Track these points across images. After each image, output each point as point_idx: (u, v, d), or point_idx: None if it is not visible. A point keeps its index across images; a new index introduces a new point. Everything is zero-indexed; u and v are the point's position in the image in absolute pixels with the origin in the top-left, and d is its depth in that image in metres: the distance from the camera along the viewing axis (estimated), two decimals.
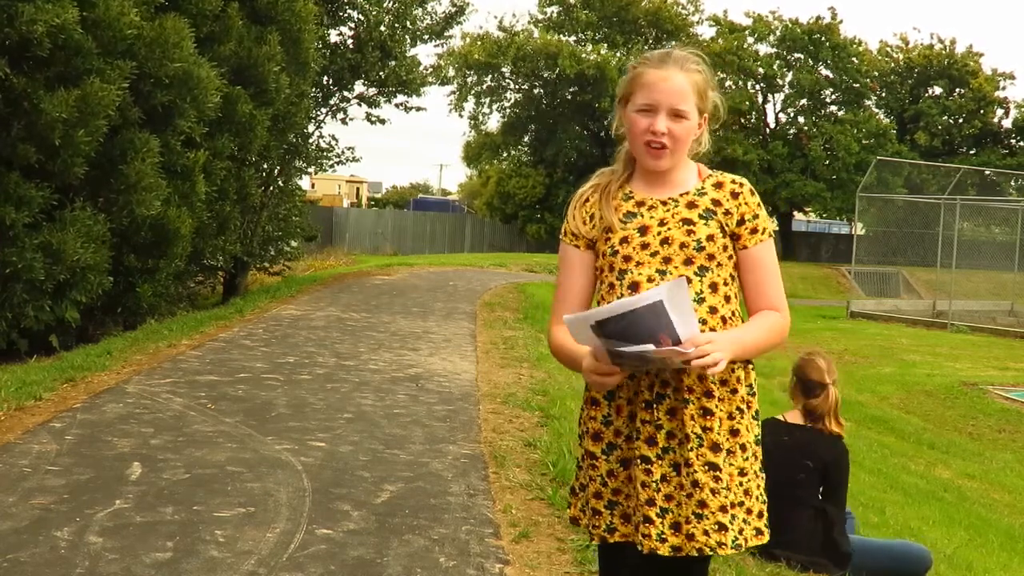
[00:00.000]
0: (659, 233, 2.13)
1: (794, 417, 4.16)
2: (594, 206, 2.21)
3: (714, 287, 2.12)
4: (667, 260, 2.11)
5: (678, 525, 2.09)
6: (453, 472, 4.68)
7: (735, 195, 2.18)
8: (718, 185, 2.19)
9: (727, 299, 2.13)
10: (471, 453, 5.08)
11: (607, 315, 1.95)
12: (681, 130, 2.13)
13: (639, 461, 2.10)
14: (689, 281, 2.08)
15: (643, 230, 2.14)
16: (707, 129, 2.23)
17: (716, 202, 2.16)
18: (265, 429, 5.29)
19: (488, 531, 3.86)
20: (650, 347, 1.92)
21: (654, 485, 2.09)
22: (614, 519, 2.16)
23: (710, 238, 2.12)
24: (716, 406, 2.09)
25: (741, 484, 2.13)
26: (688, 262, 2.11)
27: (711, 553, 2.09)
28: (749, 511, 2.14)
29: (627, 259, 2.13)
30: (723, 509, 2.07)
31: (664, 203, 2.17)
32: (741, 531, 2.12)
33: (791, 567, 3.95)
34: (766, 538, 2.17)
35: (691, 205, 2.16)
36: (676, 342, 1.94)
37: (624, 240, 2.15)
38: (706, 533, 2.07)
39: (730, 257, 2.16)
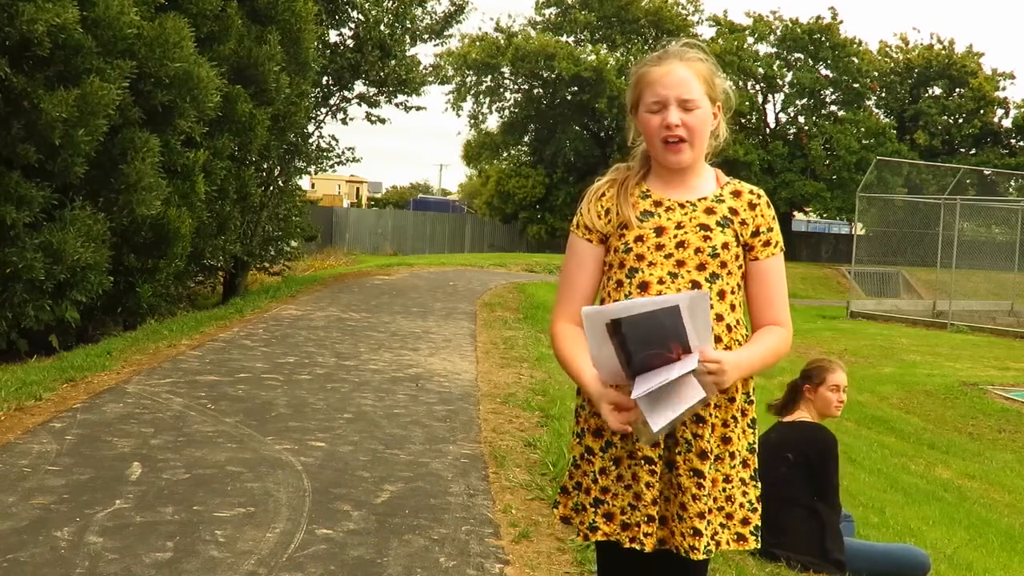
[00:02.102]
0: (675, 236, 2.13)
1: (791, 417, 4.19)
2: (610, 200, 2.20)
3: (722, 294, 2.12)
4: (680, 263, 2.11)
5: (664, 520, 2.13)
6: (453, 472, 4.68)
7: (752, 206, 2.19)
8: (736, 194, 2.20)
9: (732, 307, 2.14)
10: (471, 453, 5.08)
11: (626, 313, 1.92)
12: (695, 120, 2.12)
13: (643, 462, 2.11)
14: (712, 298, 2.09)
15: (659, 231, 2.14)
16: (723, 119, 2.22)
17: (733, 211, 2.17)
18: (265, 429, 5.29)
19: (488, 531, 3.86)
20: (669, 376, 1.90)
21: (658, 485, 2.11)
22: (596, 518, 2.16)
23: (725, 246, 2.13)
24: (710, 414, 2.10)
25: (724, 490, 2.15)
26: (701, 267, 2.11)
27: (684, 555, 2.10)
28: (729, 516, 2.16)
29: (640, 258, 2.13)
30: (700, 515, 2.09)
31: (682, 205, 2.16)
32: (714, 536, 2.13)
33: (791, 567, 3.95)
34: (751, 545, 2.18)
35: (709, 211, 2.16)
36: (687, 352, 1.94)
37: (639, 238, 2.14)
38: (682, 535, 2.10)
39: (740, 267, 2.17)
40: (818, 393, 4.17)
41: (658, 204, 2.17)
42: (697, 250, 2.11)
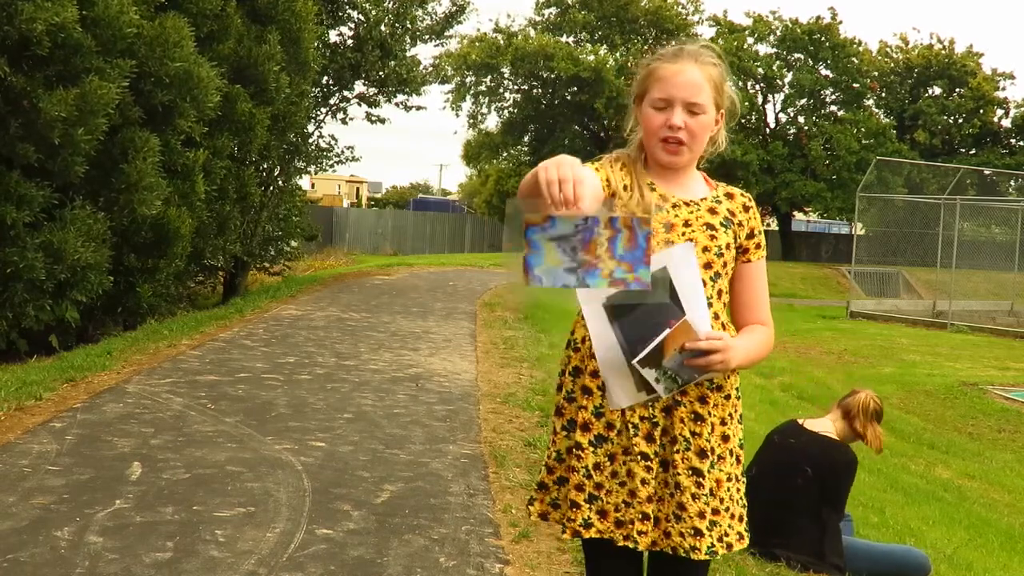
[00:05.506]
0: (683, 233, 2.11)
1: (814, 424, 4.17)
2: (627, 175, 2.14)
3: (719, 293, 2.12)
4: None
5: (657, 521, 2.10)
6: (453, 472, 4.68)
7: (746, 208, 2.20)
8: (729, 196, 2.20)
9: (725, 306, 2.15)
10: (471, 453, 5.08)
11: (620, 302, 1.95)
12: (697, 125, 2.10)
13: (639, 458, 2.08)
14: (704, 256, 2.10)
15: (668, 227, 2.11)
16: (724, 127, 2.20)
17: (732, 212, 2.17)
18: (265, 429, 5.29)
19: (488, 531, 3.86)
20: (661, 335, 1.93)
21: (653, 483, 2.09)
22: (591, 514, 2.12)
23: (727, 246, 2.13)
24: (709, 412, 2.09)
25: (728, 490, 2.13)
26: (707, 266, 2.10)
27: (684, 555, 2.07)
28: (733, 515, 2.14)
29: None
30: (701, 515, 2.07)
31: (687, 204, 2.15)
32: (721, 538, 2.10)
33: (791, 567, 3.95)
34: (746, 542, 2.18)
35: (712, 211, 2.15)
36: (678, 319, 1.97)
37: None
38: (681, 535, 2.07)
39: (732, 268, 2.17)
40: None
41: (664, 199, 2.14)
42: (704, 249, 2.10)
